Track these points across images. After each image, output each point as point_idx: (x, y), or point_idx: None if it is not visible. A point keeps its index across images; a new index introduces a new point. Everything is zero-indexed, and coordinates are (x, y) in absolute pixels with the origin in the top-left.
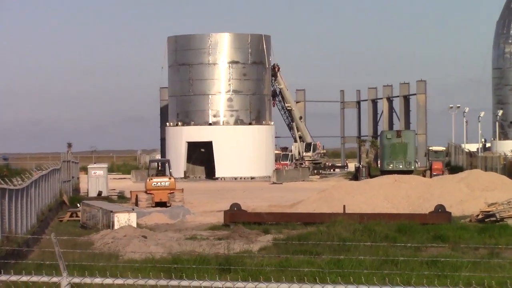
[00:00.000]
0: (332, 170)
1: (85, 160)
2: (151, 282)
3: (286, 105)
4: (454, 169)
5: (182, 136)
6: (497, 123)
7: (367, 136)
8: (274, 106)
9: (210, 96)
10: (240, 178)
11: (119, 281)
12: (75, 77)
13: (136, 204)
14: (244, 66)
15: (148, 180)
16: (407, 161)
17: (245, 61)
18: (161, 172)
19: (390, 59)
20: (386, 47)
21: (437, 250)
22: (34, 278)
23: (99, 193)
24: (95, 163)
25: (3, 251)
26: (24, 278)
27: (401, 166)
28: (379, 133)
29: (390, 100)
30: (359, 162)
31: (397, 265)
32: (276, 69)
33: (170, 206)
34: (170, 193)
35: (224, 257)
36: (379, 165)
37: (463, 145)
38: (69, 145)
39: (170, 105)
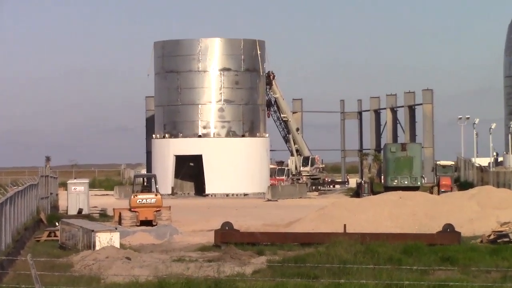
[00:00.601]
0: (331, 186)
1: (65, 175)
2: None
3: (282, 115)
4: (463, 185)
5: (169, 149)
6: (509, 135)
7: (369, 149)
8: (269, 117)
9: (199, 106)
10: (232, 194)
11: None
12: (54, 85)
13: (120, 223)
14: (237, 74)
15: (132, 196)
16: (412, 176)
17: (237, 69)
18: (146, 188)
19: (394, 66)
20: (390, 54)
21: (446, 274)
22: None
23: (80, 211)
24: (75, 178)
25: None
26: None
27: (406, 182)
28: (382, 146)
29: (394, 111)
30: (361, 178)
31: None
32: (271, 77)
33: (156, 225)
34: (157, 211)
35: (214, 280)
36: (382, 181)
37: (473, 159)
38: (48, 159)
39: (156, 115)
